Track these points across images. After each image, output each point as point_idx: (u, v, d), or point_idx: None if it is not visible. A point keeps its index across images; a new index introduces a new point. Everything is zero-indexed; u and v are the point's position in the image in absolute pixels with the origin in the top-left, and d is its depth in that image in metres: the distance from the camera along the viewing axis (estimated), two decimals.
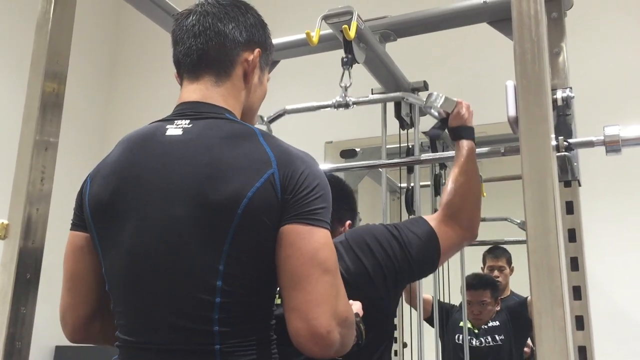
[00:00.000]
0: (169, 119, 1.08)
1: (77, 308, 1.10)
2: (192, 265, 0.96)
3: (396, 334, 2.79)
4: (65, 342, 1.15)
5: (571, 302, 1.43)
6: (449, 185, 1.45)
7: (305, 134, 3.01)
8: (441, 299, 2.48)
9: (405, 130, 2.14)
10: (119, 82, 4.09)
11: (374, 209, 2.94)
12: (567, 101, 1.46)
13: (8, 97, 3.16)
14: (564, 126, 1.47)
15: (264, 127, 1.91)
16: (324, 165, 1.76)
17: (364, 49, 1.71)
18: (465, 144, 1.49)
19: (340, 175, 2.88)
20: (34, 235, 1.20)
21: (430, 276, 2.18)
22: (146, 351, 0.99)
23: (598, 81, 2.76)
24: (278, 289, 1.00)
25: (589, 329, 1.42)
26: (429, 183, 2.42)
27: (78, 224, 1.10)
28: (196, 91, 1.09)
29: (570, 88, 1.50)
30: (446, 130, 1.57)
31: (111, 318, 1.08)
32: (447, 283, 2.50)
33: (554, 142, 0.94)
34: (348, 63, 1.63)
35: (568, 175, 1.51)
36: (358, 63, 1.70)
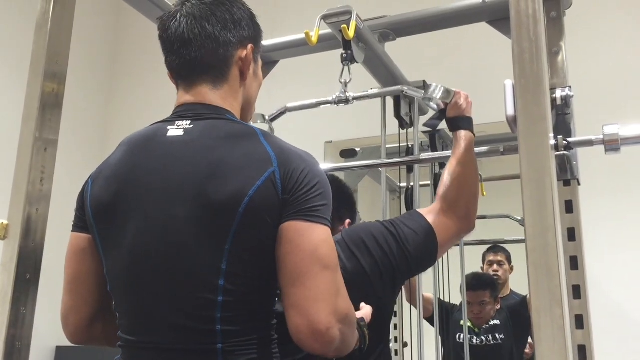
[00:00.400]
0: (170, 120, 1.08)
1: (79, 310, 1.10)
2: (194, 265, 0.96)
3: (396, 333, 2.79)
4: (66, 343, 1.14)
5: (571, 301, 1.43)
6: (445, 176, 1.43)
7: (306, 134, 3.01)
8: (441, 298, 2.48)
9: (405, 129, 2.14)
10: (118, 82, 4.10)
11: (374, 209, 2.94)
12: (566, 100, 1.46)
13: (8, 97, 3.16)
14: (563, 125, 1.47)
15: (265, 126, 1.91)
16: (324, 165, 1.76)
17: (363, 49, 1.72)
18: (463, 134, 1.47)
19: (340, 174, 2.88)
20: (34, 235, 1.20)
21: (431, 275, 2.19)
22: (148, 351, 0.99)
23: (597, 80, 2.76)
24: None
25: (588, 327, 1.42)
26: (428, 182, 2.42)
27: (79, 225, 1.10)
28: (195, 95, 1.09)
29: (569, 87, 1.50)
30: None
31: (113, 319, 1.09)
32: (448, 282, 2.50)
33: (552, 141, 0.94)
34: (348, 59, 1.63)
35: (567, 174, 1.51)
36: (357, 62, 1.70)
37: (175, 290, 0.97)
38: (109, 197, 1.03)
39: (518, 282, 3.01)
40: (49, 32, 1.26)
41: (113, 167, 1.06)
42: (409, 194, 2.08)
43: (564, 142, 1.39)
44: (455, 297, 2.73)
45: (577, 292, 1.44)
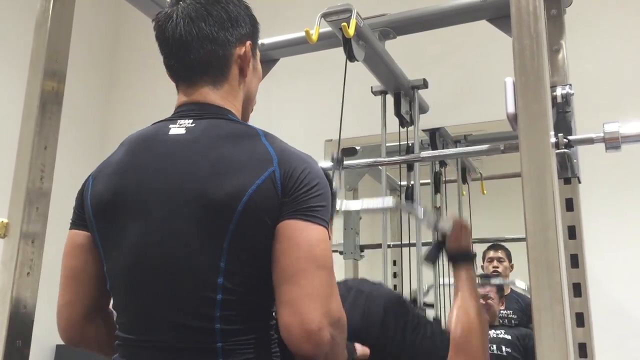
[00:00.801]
0: (172, 119, 1.08)
1: (73, 306, 1.09)
2: (194, 263, 0.96)
3: None
4: None
5: (571, 298, 1.43)
6: (452, 317, 1.38)
7: (306, 132, 3.02)
8: (442, 301, 2.48)
9: (405, 128, 2.14)
10: (118, 80, 4.09)
11: None
12: (566, 98, 1.46)
13: (8, 95, 3.16)
14: (563, 123, 1.47)
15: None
16: (325, 163, 1.76)
17: (363, 47, 1.71)
18: (463, 272, 1.44)
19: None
20: (34, 233, 1.20)
21: (431, 276, 2.19)
22: (147, 349, 0.99)
23: (598, 78, 2.76)
24: None
25: (589, 325, 1.42)
26: (429, 181, 2.43)
27: (78, 222, 1.10)
28: (196, 95, 1.09)
29: (570, 85, 1.50)
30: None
31: (107, 324, 1.09)
32: (448, 282, 2.50)
33: (553, 139, 0.94)
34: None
35: (568, 172, 1.51)
36: (357, 61, 1.70)
37: (175, 289, 0.97)
38: (109, 196, 1.03)
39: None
40: (49, 30, 1.26)
41: (114, 166, 1.06)
42: (409, 192, 2.09)
43: (565, 140, 1.38)
44: None
45: (577, 290, 1.44)
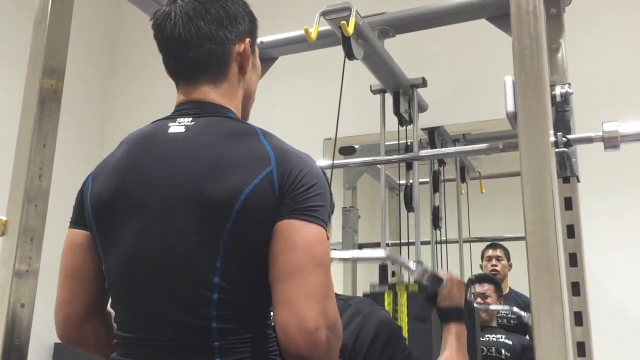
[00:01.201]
0: (171, 117, 1.08)
1: (71, 304, 1.09)
2: (192, 262, 0.96)
3: None
4: None
5: (570, 297, 1.43)
6: None
7: (304, 131, 3.02)
8: None
9: (404, 126, 2.14)
10: (117, 77, 4.09)
11: (373, 206, 2.94)
12: (565, 97, 1.46)
13: (6, 93, 3.15)
14: (562, 122, 1.47)
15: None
16: (323, 162, 1.76)
17: (363, 45, 1.71)
18: (454, 329, 1.41)
19: (340, 172, 2.88)
20: (33, 231, 1.20)
21: None
22: (147, 347, 0.99)
23: (597, 77, 2.76)
24: None
25: (587, 324, 1.42)
26: (428, 180, 2.43)
27: (78, 221, 1.10)
28: (195, 94, 1.09)
29: (569, 84, 1.50)
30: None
31: (105, 324, 1.09)
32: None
33: (552, 138, 0.94)
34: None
35: (567, 172, 1.51)
36: (357, 59, 1.70)
37: (174, 287, 0.97)
38: (109, 196, 1.03)
39: (518, 282, 3.01)
40: (48, 28, 1.26)
41: (114, 165, 1.06)
42: (408, 191, 2.08)
43: (564, 139, 1.39)
44: None
45: (576, 289, 1.44)
